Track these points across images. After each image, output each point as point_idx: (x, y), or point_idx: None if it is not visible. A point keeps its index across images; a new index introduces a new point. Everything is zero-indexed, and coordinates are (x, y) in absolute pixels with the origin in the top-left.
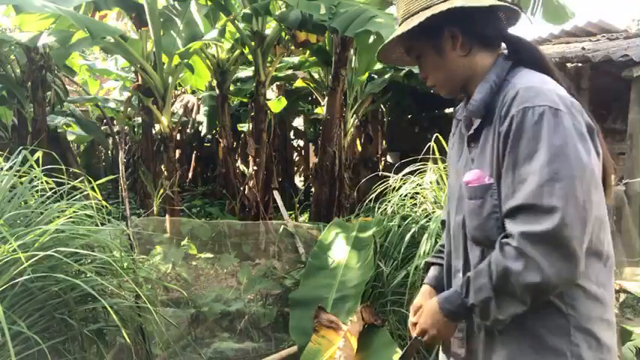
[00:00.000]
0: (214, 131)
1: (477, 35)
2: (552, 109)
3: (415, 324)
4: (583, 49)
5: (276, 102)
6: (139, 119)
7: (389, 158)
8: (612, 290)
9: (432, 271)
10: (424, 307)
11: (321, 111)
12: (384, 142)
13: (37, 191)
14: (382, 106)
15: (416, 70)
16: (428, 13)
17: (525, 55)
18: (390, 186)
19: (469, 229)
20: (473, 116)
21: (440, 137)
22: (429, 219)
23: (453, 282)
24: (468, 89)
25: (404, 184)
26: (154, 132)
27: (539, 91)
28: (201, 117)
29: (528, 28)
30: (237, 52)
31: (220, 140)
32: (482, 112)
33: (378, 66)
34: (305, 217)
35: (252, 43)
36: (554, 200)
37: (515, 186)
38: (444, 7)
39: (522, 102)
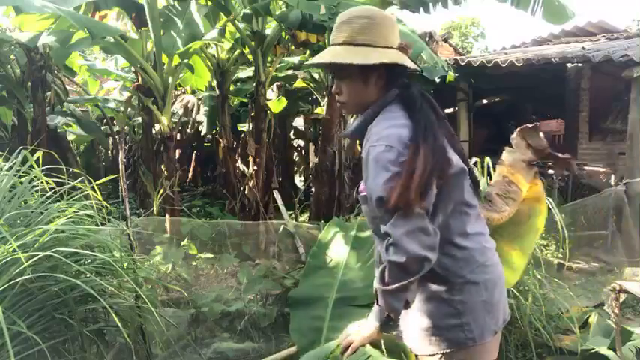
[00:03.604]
0: (214, 131)
1: (390, 80)
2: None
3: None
4: (583, 49)
5: (276, 102)
6: (139, 119)
7: None
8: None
9: None
10: (352, 328)
11: (321, 111)
12: None
13: (37, 191)
14: None
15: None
16: (374, 54)
17: (407, 99)
18: None
19: (368, 225)
20: (344, 137)
21: None
22: None
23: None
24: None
25: None
26: (154, 132)
27: (380, 135)
28: (201, 117)
29: (528, 28)
30: (237, 52)
31: (220, 140)
32: (351, 136)
33: None
34: (305, 217)
35: (252, 43)
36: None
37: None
38: (387, 57)
39: (368, 143)
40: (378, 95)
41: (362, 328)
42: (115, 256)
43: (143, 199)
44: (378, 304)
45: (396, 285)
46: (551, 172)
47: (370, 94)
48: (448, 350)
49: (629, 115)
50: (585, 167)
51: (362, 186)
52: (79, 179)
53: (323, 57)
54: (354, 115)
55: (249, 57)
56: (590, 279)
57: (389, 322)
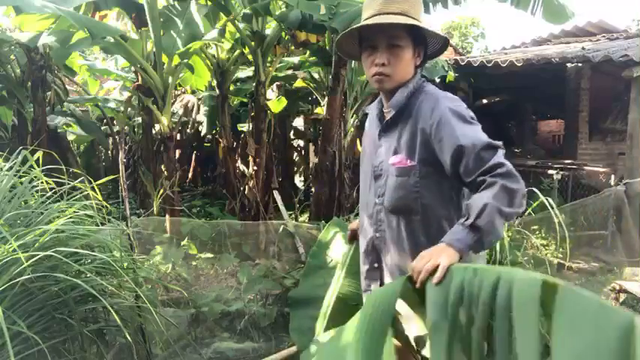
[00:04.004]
0: (214, 131)
1: (422, 62)
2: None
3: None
4: (583, 49)
5: (276, 102)
6: (139, 119)
7: None
8: None
9: None
10: (433, 250)
11: (321, 111)
12: None
13: (37, 191)
14: None
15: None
16: (428, 27)
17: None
18: None
19: (390, 201)
20: (394, 109)
21: None
22: None
23: (362, 240)
24: (395, 89)
25: None
26: (154, 132)
27: (452, 97)
28: (201, 117)
29: (528, 28)
30: (237, 52)
31: (220, 140)
32: (397, 108)
33: None
34: (305, 217)
35: (252, 43)
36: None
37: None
38: (439, 33)
39: (445, 104)
40: (413, 74)
41: (441, 252)
42: (115, 256)
43: (143, 199)
44: (476, 222)
45: (510, 210)
46: (551, 172)
47: (411, 69)
48: None
49: (629, 115)
50: (585, 167)
51: (397, 158)
52: (79, 179)
53: (396, 19)
54: (354, 114)
55: (249, 57)
56: (590, 279)
57: (477, 245)
